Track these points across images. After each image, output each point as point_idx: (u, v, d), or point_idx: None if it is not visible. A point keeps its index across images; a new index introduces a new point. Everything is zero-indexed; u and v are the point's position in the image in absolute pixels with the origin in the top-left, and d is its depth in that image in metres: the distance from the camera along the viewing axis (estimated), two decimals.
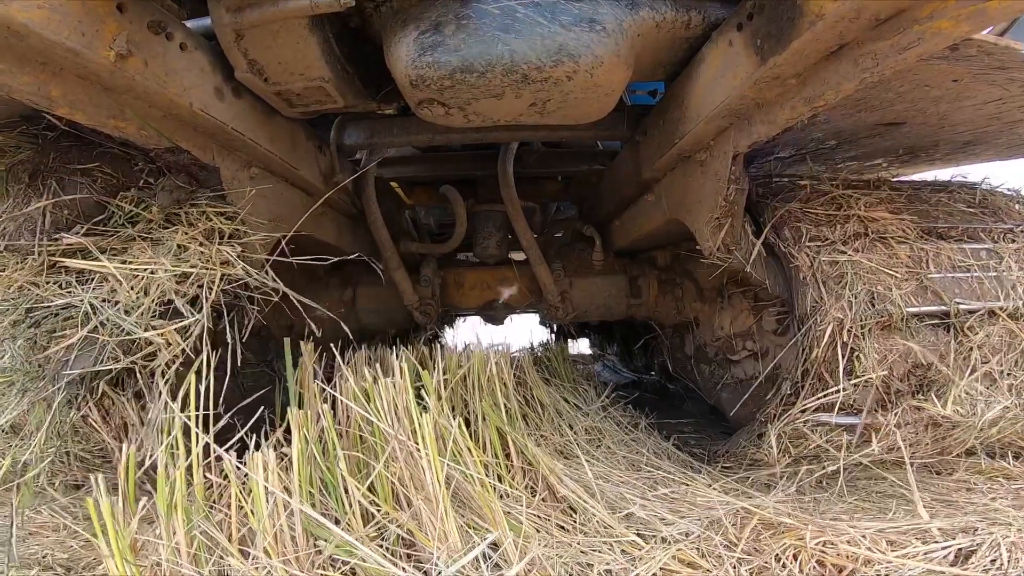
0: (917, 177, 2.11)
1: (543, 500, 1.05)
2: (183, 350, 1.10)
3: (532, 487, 1.08)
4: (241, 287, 1.20)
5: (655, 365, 2.77)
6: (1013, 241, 1.43)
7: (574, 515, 1.02)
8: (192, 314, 1.07)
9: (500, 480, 1.05)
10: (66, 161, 1.21)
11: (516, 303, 2.22)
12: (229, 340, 1.15)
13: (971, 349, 1.32)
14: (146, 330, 1.05)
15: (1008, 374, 1.32)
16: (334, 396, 1.07)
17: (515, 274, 2.18)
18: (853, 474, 1.39)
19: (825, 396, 1.26)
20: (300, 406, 1.05)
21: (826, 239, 1.33)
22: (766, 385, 1.53)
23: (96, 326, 1.05)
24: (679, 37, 1.26)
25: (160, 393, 1.05)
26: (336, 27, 1.16)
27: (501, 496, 1.02)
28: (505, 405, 1.18)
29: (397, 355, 1.19)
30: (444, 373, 1.20)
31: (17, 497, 1.11)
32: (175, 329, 1.08)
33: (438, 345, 1.52)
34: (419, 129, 1.67)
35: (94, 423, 1.15)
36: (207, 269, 1.09)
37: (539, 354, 1.94)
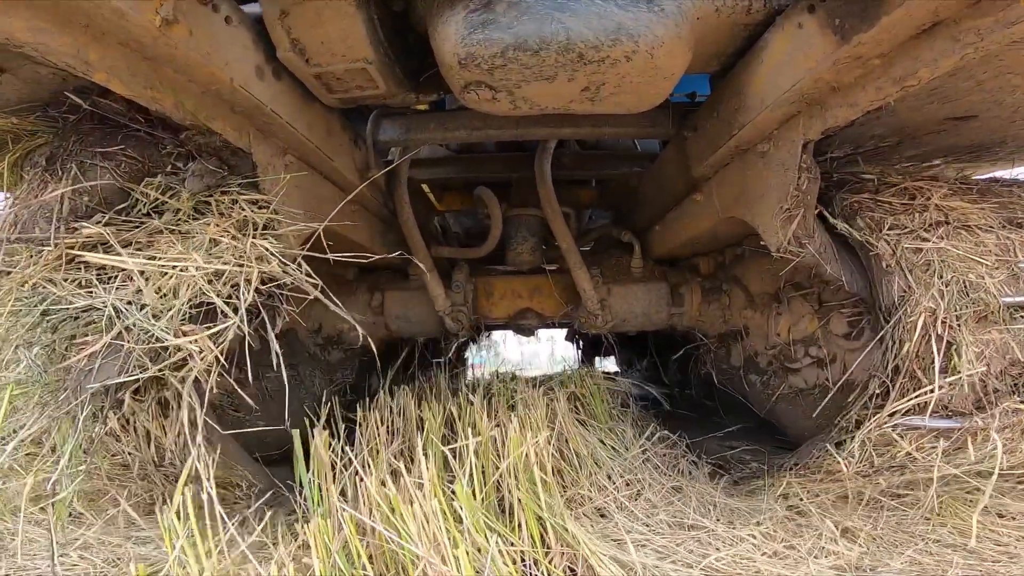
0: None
1: None
2: (216, 357, 1.01)
3: (572, 568, 1.02)
4: (274, 285, 1.12)
5: (692, 379, 2.63)
6: None
7: None
8: (229, 316, 0.98)
9: (536, 564, 1.00)
10: (87, 144, 1.12)
11: (549, 314, 2.13)
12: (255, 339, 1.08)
13: None
14: (177, 336, 0.95)
15: None
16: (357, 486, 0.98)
17: (548, 283, 2.09)
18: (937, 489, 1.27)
19: (918, 396, 1.14)
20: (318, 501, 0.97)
21: (905, 227, 1.22)
22: (836, 395, 1.40)
23: (121, 332, 0.95)
24: (739, 23, 1.19)
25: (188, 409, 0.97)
26: (380, 8, 1.11)
27: None
28: (544, 495, 1.09)
29: (423, 450, 1.10)
30: (476, 456, 1.12)
31: (54, 517, 1.04)
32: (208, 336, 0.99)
33: (467, 402, 1.43)
34: (456, 125, 1.62)
35: (115, 434, 1.08)
36: (242, 266, 1.00)
37: (574, 390, 1.85)
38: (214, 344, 0.95)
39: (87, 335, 0.98)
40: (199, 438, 0.94)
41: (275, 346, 0.99)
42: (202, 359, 0.97)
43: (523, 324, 2.12)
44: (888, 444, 1.22)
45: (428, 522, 0.89)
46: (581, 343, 3.93)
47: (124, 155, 1.10)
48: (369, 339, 1.29)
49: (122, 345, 0.95)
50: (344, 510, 0.90)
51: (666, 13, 1.07)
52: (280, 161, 1.16)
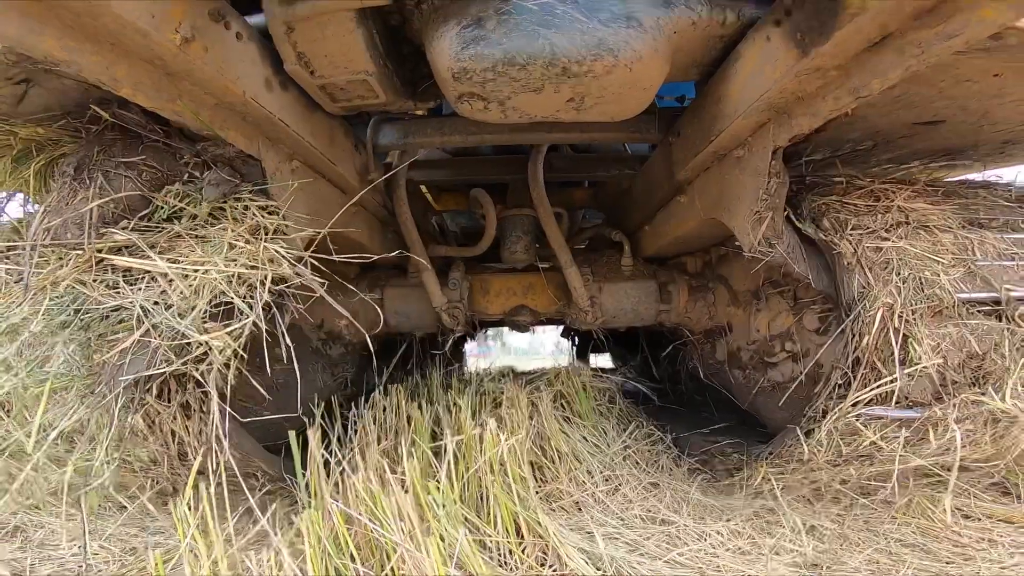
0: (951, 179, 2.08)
1: (553, 570, 1.07)
2: (234, 351, 1.10)
3: (543, 558, 1.10)
4: (283, 282, 1.20)
5: (682, 375, 2.72)
6: None
7: None
8: (246, 314, 1.07)
9: (511, 553, 1.08)
10: (111, 155, 1.21)
11: (542, 310, 2.22)
12: (266, 336, 1.15)
13: None
14: (200, 333, 1.04)
15: None
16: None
17: (542, 280, 2.18)
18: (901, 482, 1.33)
19: (880, 386, 1.21)
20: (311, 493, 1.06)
21: (868, 228, 1.30)
22: (807, 387, 1.48)
23: (148, 329, 1.04)
24: (714, 35, 1.27)
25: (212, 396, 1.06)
26: (379, 24, 1.20)
27: (512, 569, 1.05)
28: (517, 488, 1.17)
29: (410, 448, 1.18)
30: (456, 461, 1.20)
31: (85, 505, 1.13)
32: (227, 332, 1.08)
33: (454, 409, 1.50)
34: (452, 130, 1.70)
35: (142, 432, 1.15)
36: (257, 269, 1.09)
37: (560, 389, 1.93)
38: (232, 340, 1.04)
39: (118, 333, 1.07)
40: (215, 421, 1.02)
41: (286, 340, 1.07)
42: (221, 354, 1.06)
43: (518, 320, 2.20)
44: (854, 433, 1.28)
45: (404, 514, 0.97)
46: (576, 339, 4.01)
47: (145, 164, 1.19)
48: (363, 331, 1.37)
49: (150, 342, 1.04)
50: (333, 502, 0.99)
51: (644, 28, 1.16)
52: (287, 166, 1.24)
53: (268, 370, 1.16)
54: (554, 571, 1.06)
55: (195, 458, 1.20)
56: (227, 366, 1.07)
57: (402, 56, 1.33)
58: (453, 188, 2.37)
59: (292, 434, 1.08)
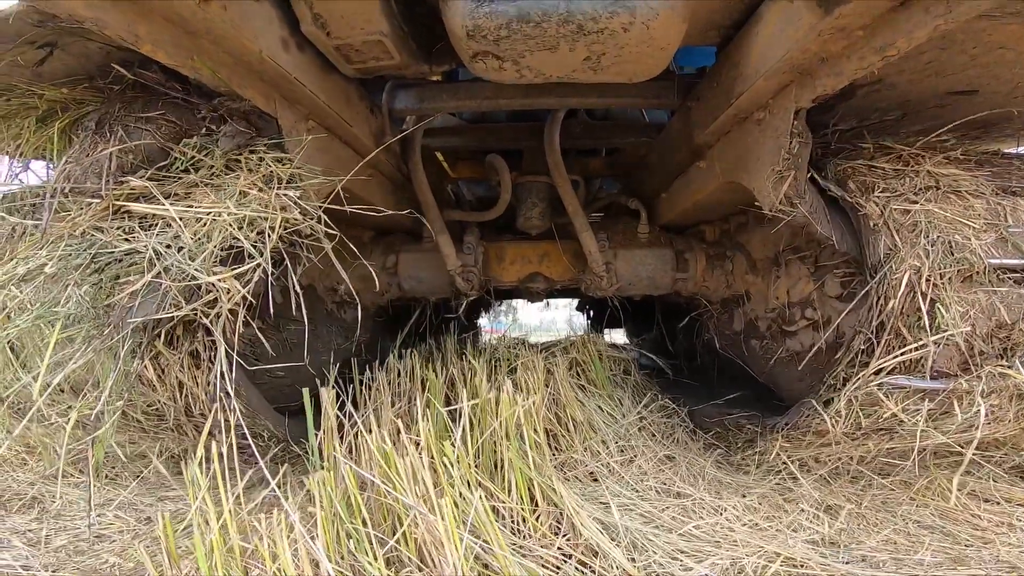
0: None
1: (567, 539, 1.06)
2: (244, 297, 1.12)
3: (557, 526, 1.08)
4: (296, 235, 1.22)
5: (697, 348, 2.72)
6: None
7: (595, 557, 1.01)
8: (256, 257, 1.10)
9: (524, 521, 1.06)
10: (131, 110, 1.26)
11: (557, 278, 2.22)
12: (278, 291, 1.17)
13: None
14: (209, 275, 1.06)
15: None
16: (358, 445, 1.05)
17: (557, 248, 2.18)
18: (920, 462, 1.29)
19: (906, 353, 1.16)
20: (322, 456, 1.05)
21: (896, 191, 1.25)
22: (827, 356, 1.46)
23: (160, 272, 1.06)
24: None
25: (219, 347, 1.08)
26: None
27: (525, 537, 1.04)
28: (533, 454, 1.14)
29: (423, 414, 1.14)
30: (471, 426, 1.17)
31: (91, 453, 1.16)
32: (235, 276, 1.09)
33: (469, 369, 1.48)
34: (467, 95, 1.69)
35: (150, 382, 1.18)
36: (268, 214, 1.12)
37: (575, 356, 1.91)
38: (241, 285, 1.06)
39: (130, 275, 1.09)
40: (220, 370, 1.05)
41: (297, 290, 1.10)
42: (230, 299, 1.08)
43: (532, 287, 2.22)
44: (874, 404, 1.23)
45: (417, 476, 0.94)
46: (591, 312, 4.02)
47: (164, 119, 1.23)
48: (375, 294, 1.37)
49: (160, 284, 1.06)
50: (345, 463, 0.97)
51: None
52: (303, 126, 1.26)
53: (282, 329, 1.19)
54: (567, 540, 1.05)
55: (205, 413, 1.22)
56: (234, 313, 1.09)
57: (418, 18, 1.32)
58: (469, 156, 2.37)
59: (306, 392, 1.08)
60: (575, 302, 4.21)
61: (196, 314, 1.08)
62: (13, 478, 1.42)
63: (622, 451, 1.55)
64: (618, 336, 4.50)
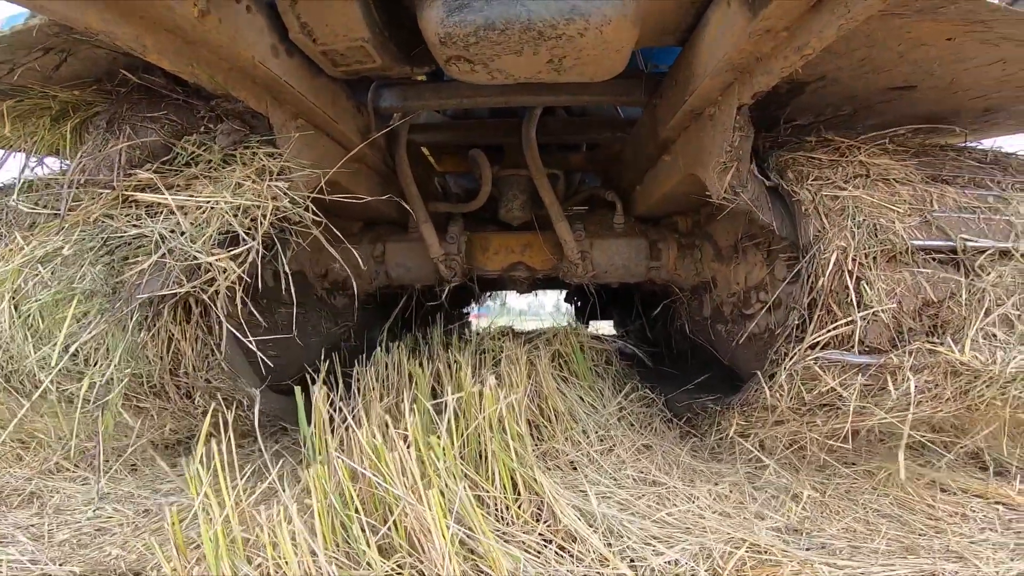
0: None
1: (547, 525, 1.12)
2: (239, 276, 1.25)
3: (538, 513, 1.15)
4: (285, 221, 1.35)
5: (673, 334, 2.84)
6: (1023, 191, 1.41)
7: (574, 543, 1.09)
8: (249, 241, 1.23)
9: (507, 509, 1.14)
10: (137, 111, 1.41)
11: (539, 267, 2.35)
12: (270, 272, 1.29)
13: (984, 290, 1.25)
14: (208, 256, 1.20)
15: None
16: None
17: (539, 239, 2.31)
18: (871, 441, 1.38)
19: (835, 328, 1.24)
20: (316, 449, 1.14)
21: (827, 179, 1.36)
22: (779, 337, 1.57)
23: (165, 253, 1.20)
24: (685, 2, 1.35)
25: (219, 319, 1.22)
26: None
27: (508, 523, 1.12)
28: (515, 445, 1.21)
29: (410, 407, 1.21)
30: (456, 418, 1.23)
31: (102, 422, 1.26)
32: (231, 257, 1.23)
33: (455, 366, 1.54)
34: (448, 94, 1.81)
35: (150, 356, 1.27)
36: (260, 202, 1.25)
37: (557, 348, 1.98)
38: (236, 265, 1.21)
39: (138, 256, 1.23)
40: (222, 339, 1.16)
41: (287, 271, 1.23)
42: (226, 277, 1.22)
43: (515, 276, 2.34)
44: (814, 379, 1.28)
45: (406, 469, 1.01)
46: (578, 302, 4.15)
47: (167, 118, 1.38)
48: (362, 281, 1.49)
49: (165, 264, 1.20)
50: (338, 458, 1.04)
51: None
52: (292, 124, 1.39)
53: (274, 312, 1.32)
54: (548, 526, 1.12)
55: (190, 372, 1.32)
56: (231, 290, 1.23)
57: (398, 23, 1.44)
58: (454, 150, 2.49)
59: (297, 389, 1.18)
60: (564, 292, 4.34)
61: (196, 291, 1.22)
62: (11, 474, 1.48)
63: (602, 440, 1.63)
64: (605, 326, 4.63)
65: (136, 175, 1.29)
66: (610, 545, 1.11)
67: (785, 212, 1.45)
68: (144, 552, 1.11)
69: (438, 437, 1.11)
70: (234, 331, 1.23)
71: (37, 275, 1.20)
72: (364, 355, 1.68)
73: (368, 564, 0.95)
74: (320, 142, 1.52)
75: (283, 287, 1.23)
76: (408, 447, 1.05)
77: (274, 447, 1.61)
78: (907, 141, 1.62)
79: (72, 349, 1.18)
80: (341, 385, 1.47)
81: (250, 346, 1.26)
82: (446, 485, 1.04)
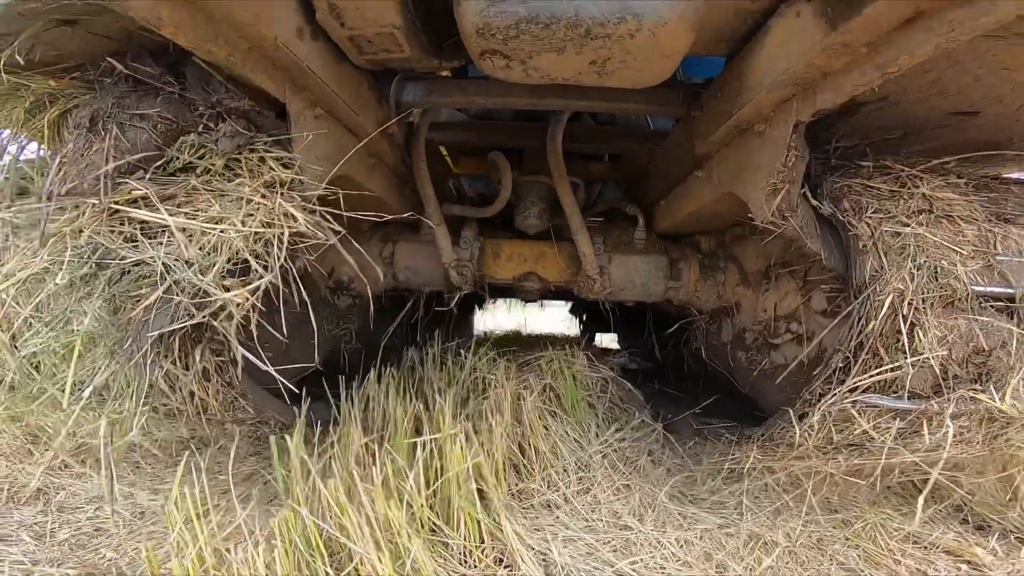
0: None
1: (508, 569, 1.15)
2: (252, 305, 1.13)
3: (500, 559, 1.18)
4: (298, 235, 1.22)
5: (685, 357, 2.74)
6: None
7: None
8: (263, 272, 1.10)
9: (470, 554, 1.17)
10: (125, 107, 1.19)
11: (552, 279, 2.24)
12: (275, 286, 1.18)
13: None
14: (220, 289, 1.07)
15: None
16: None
17: (553, 249, 2.20)
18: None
19: (881, 373, 1.20)
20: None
21: (888, 212, 1.28)
22: (808, 371, 1.49)
23: (171, 285, 1.07)
24: (745, 9, 1.26)
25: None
26: None
27: (471, 567, 1.15)
28: (488, 489, 1.25)
29: (383, 455, 1.24)
30: (431, 458, 1.27)
31: (113, 455, 1.20)
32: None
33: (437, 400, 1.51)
34: (475, 91, 1.71)
35: (163, 390, 1.19)
36: (274, 230, 1.11)
37: (549, 382, 1.90)
38: (250, 295, 1.08)
39: (141, 289, 1.10)
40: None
41: (300, 289, 1.12)
42: (239, 308, 1.11)
43: (526, 287, 2.24)
44: (847, 420, 1.26)
45: (370, 523, 1.06)
46: (584, 317, 4.05)
47: (159, 116, 1.17)
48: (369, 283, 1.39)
49: (172, 298, 1.07)
50: (302, 510, 1.07)
51: None
52: (311, 112, 1.28)
53: (283, 316, 1.20)
54: (509, 571, 1.14)
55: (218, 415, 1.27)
56: (246, 319, 1.12)
57: (430, 13, 1.34)
58: (472, 152, 2.39)
59: (273, 439, 1.15)
60: (569, 305, 4.23)
61: (206, 320, 1.10)
62: (20, 471, 1.45)
63: (580, 480, 1.58)
64: (609, 341, 4.53)
65: (127, 184, 1.11)
66: None
67: (836, 243, 1.35)
68: (134, 557, 1.14)
69: (408, 485, 1.15)
70: (251, 357, 1.12)
71: (28, 308, 1.08)
72: (362, 362, 1.62)
73: None
74: (338, 134, 1.42)
75: (293, 292, 1.10)
76: (373, 502, 1.09)
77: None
78: (965, 171, 1.53)
79: (87, 394, 1.08)
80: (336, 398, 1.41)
81: (272, 373, 1.15)
82: (409, 538, 1.09)
